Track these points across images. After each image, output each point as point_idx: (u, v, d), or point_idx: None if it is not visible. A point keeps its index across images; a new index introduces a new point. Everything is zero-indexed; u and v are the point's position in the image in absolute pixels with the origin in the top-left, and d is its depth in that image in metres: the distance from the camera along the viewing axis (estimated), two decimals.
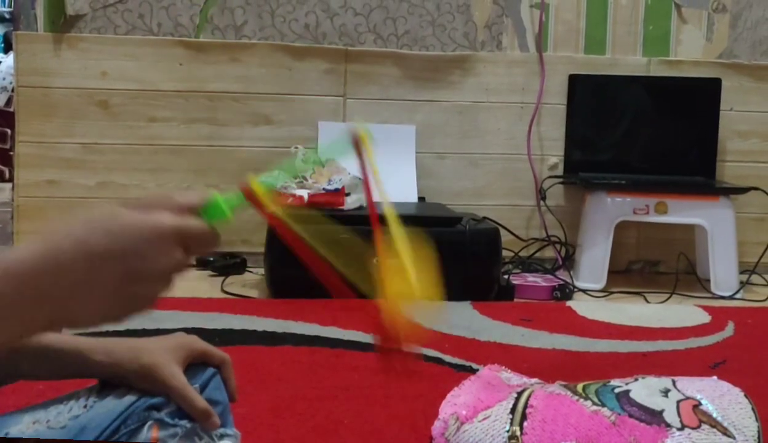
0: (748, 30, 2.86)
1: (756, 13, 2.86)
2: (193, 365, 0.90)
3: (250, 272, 2.65)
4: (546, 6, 2.79)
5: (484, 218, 2.57)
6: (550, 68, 2.79)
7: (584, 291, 2.55)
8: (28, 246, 0.57)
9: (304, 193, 2.35)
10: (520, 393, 1.14)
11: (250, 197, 0.62)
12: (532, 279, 2.52)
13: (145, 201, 0.61)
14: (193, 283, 2.53)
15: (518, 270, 2.65)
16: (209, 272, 2.62)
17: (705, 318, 2.26)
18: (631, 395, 1.16)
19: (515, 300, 2.41)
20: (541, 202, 2.80)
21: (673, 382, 1.22)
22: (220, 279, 2.55)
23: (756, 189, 2.63)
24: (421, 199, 2.71)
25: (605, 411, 1.11)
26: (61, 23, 2.65)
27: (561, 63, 2.80)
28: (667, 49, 2.85)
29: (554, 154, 2.83)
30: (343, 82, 2.75)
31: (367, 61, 2.74)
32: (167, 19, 2.68)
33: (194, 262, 2.70)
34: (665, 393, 1.18)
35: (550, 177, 2.81)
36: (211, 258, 2.66)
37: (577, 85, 2.79)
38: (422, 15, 2.76)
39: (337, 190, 2.36)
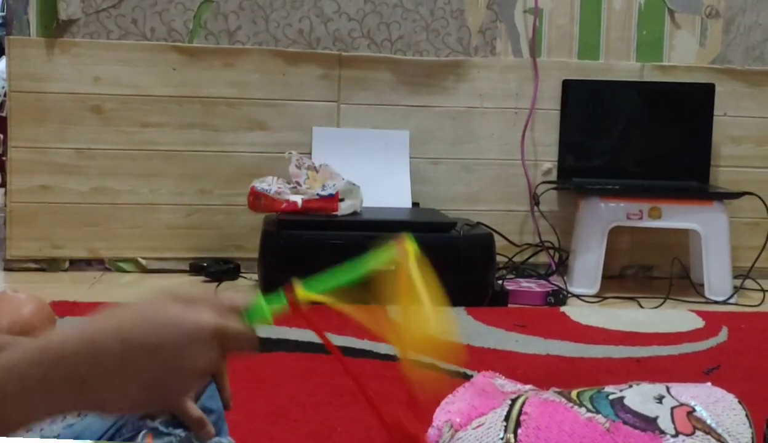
0: (741, 35, 2.87)
1: (749, 19, 2.87)
2: None
3: (244, 278, 2.64)
4: (540, 11, 2.79)
5: (478, 223, 2.57)
6: (544, 73, 2.80)
7: (578, 296, 2.55)
8: (72, 329, 0.59)
9: (297, 199, 2.35)
10: (514, 400, 1.14)
11: (294, 305, 0.62)
12: (526, 284, 2.52)
13: (191, 296, 0.62)
14: (187, 289, 2.52)
15: (512, 276, 2.65)
16: (203, 278, 2.62)
17: (699, 323, 2.26)
18: (626, 402, 1.16)
19: (509, 305, 2.41)
20: (535, 208, 2.80)
21: (667, 389, 1.22)
22: (214, 285, 2.55)
23: (750, 194, 2.64)
24: (415, 204, 2.71)
25: (600, 418, 1.11)
26: (54, 28, 2.65)
27: (555, 68, 2.80)
28: (660, 54, 2.86)
29: (548, 159, 2.83)
30: (337, 87, 2.74)
31: (361, 66, 2.74)
32: (160, 24, 2.68)
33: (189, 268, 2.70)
34: (659, 399, 1.18)
35: (544, 182, 2.81)
36: (205, 264, 2.66)
37: (571, 90, 2.80)
38: (416, 20, 2.76)
39: (331, 196, 2.36)
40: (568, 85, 2.80)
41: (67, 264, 2.71)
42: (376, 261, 0.65)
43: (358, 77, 2.75)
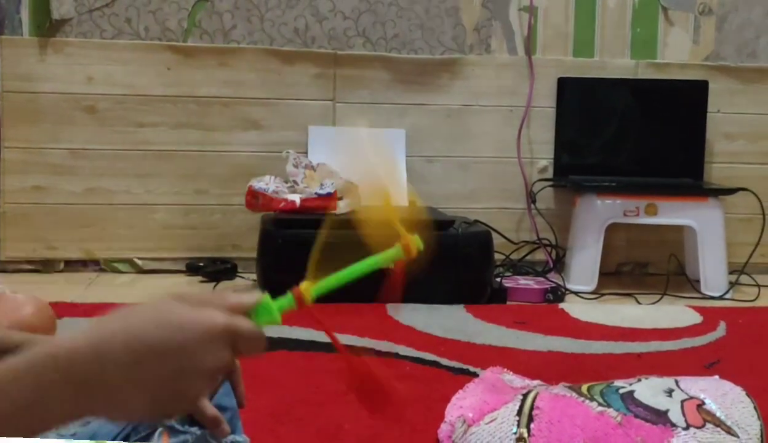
0: (733, 32, 2.88)
1: (741, 16, 2.88)
2: None
3: (241, 277, 2.63)
4: (534, 9, 2.79)
5: (476, 221, 2.57)
6: (539, 71, 2.80)
7: (576, 293, 2.55)
8: (80, 334, 0.57)
9: (296, 198, 2.34)
10: (525, 395, 1.14)
11: (300, 302, 0.61)
12: (524, 282, 2.52)
13: (198, 297, 0.61)
14: (184, 290, 2.51)
15: (509, 274, 2.65)
16: (200, 278, 2.61)
17: (697, 318, 2.27)
18: (636, 395, 1.16)
19: (508, 302, 2.41)
20: (532, 205, 2.81)
21: (676, 382, 1.22)
22: (212, 285, 2.54)
23: (744, 190, 2.65)
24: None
25: (611, 411, 1.11)
26: (47, 27, 2.63)
27: (550, 66, 2.81)
28: (654, 51, 2.87)
29: (544, 156, 2.84)
30: (333, 86, 2.74)
31: (356, 64, 2.74)
32: (155, 23, 2.66)
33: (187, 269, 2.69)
34: (669, 393, 1.19)
35: (540, 180, 2.82)
36: (202, 264, 2.64)
37: (566, 87, 2.80)
38: (411, 18, 2.76)
39: (329, 194, 2.35)
40: (563, 83, 2.80)
41: (62, 265, 2.69)
42: (381, 259, 0.65)
43: (353, 76, 2.74)
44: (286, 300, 0.62)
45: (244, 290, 0.57)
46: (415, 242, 0.63)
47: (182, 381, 0.57)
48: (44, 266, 2.68)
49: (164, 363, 0.56)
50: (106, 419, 0.61)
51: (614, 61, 2.84)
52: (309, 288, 0.61)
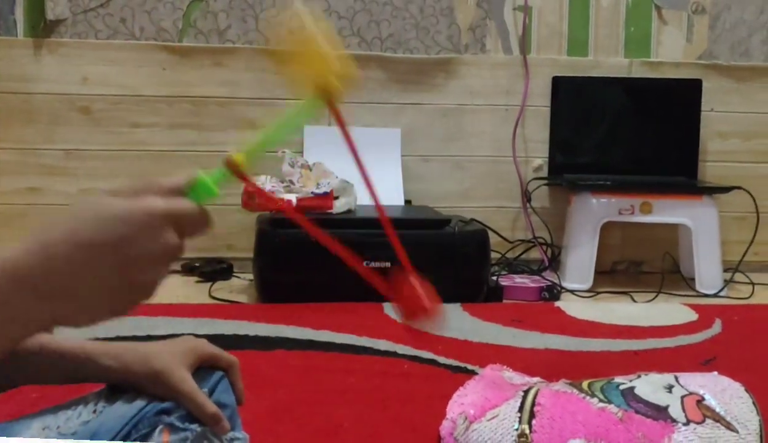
0: (726, 31, 2.89)
1: (734, 15, 2.89)
2: (202, 368, 0.89)
3: (237, 277, 2.63)
4: (529, 9, 2.80)
5: (472, 220, 2.57)
6: (534, 70, 2.81)
7: (571, 291, 2.56)
8: (20, 244, 0.56)
9: (292, 197, 2.34)
10: (526, 392, 1.14)
11: (235, 171, 0.61)
12: (520, 280, 2.53)
13: (131, 187, 0.59)
14: (180, 289, 2.51)
15: (505, 272, 2.65)
16: (196, 278, 2.60)
17: (692, 316, 2.28)
18: (636, 391, 1.16)
19: (504, 301, 2.41)
20: (527, 204, 2.81)
21: (676, 378, 1.23)
22: (207, 285, 2.53)
23: (739, 188, 2.66)
24: (407, 201, 2.71)
25: (612, 407, 1.12)
26: (41, 28, 2.62)
27: (544, 65, 2.81)
28: (648, 50, 2.88)
29: (539, 155, 2.84)
30: None
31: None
32: (149, 23, 2.66)
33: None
34: (669, 388, 1.19)
35: (535, 178, 2.82)
36: (197, 264, 2.64)
37: (561, 86, 2.81)
38: (406, 18, 2.76)
39: (325, 194, 2.35)
40: (557, 82, 2.81)
41: None
42: (302, 113, 0.64)
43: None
44: (220, 172, 0.61)
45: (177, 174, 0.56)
46: (338, 68, 0.60)
47: (132, 271, 0.56)
48: None
49: (109, 255, 0.55)
50: (71, 324, 0.59)
51: (608, 60, 2.85)
52: (238, 155, 0.61)
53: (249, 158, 0.61)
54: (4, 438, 0.79)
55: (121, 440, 0.83)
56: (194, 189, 0.61)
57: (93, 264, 0.55)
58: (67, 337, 0.58)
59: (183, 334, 0.92)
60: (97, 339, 0.87)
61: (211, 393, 0.90)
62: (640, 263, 2.92)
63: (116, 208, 0.57)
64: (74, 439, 0.83)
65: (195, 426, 0.85)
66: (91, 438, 0.83)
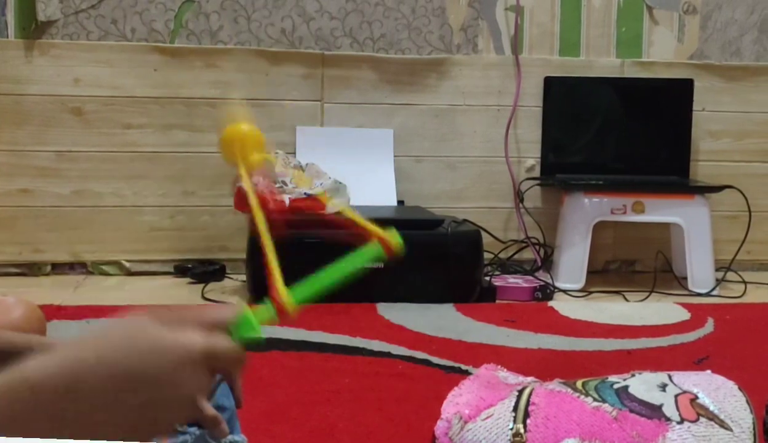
0: (717, 31, 2.91)
1: (725, 15, 2.91)
2: None
3: (230, 278, 2.63)
4: (521, 9, 2.81)
5: (465, 220, 2.58)
6: (526, 71, 2.81)
7: (564, 291, 2.56)
8: (50, 358, 0.54)
9: (285, 198, 2.33)
10: (521, 391, 1.14)
11: (282, 313, 0.60)
12: (513, 280, 2.53)
13: (173, 316, 0.58)
14: (173, 291, 2.51)
15: (498, 272, 2.66)
16: (188, 279, 2.60)
17: (685, 315, 2.29)
18: (630, 390, 1.17)
19: (497, 301, 2.42)
20: (519, 204, 2.82)
21: (670, 377, 1.23)
22: (200, 286, 2.53)
23: (731, 187, 2.67)
24: (399, 202, 2.72)
25: (606, 406, 1.12)
26: (33, 29, 2.61)
27: (536, 65, 2.82)
28: (639, 50, 2.88)
29: (531, 155, 2.85)
30: (320, 86, 2.74)
31: (343, 65, 2.74)
32: (141, 24, 2.65)
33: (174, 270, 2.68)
34: (663, 387, 1.19)
35: (528, 179, 2.83)
36: (190, 265, 2.64)
37: (553, 87, 2.82)
38: (398, 18, 2.76)
39: (318, 194, 2.35)
40: (549, 82, 2.81)
41: (49, 268, 2.68)
42: (360, 259, 0.64)
43: (341, 76, 2.75)
44: (267, 311, 0.60)
45: (222, 305, 0.55)
46: (393, 237, 0.62)
47: (159, 409, 0.55)
48: (31, 269, 2.67)
49: (140, 391, 0.53)
50: None
51: (600, 60, 2.86)
52: (288, 295, 0.59)
53: (299, 301, 0.60)
54: (3, 438, 0.79)
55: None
56: (238, 325, 0.59)
57: (120, 398, 0.53)
58: (28, 368, 0.56)
59: None
60: None
61: (210, 396, 0.90)
62: (633, 262, 2.93)
63: (156, 341, 0.54)
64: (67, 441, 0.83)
65: (194, 430, 0.85)
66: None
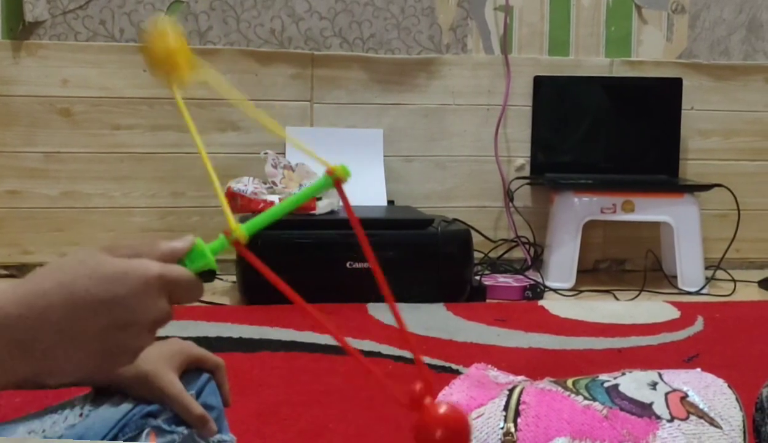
0: (706, 30, 2.92)
1: (713, 14, 2.92)
2: (188, 371, 0.89)
3: (220, 279, 2.62)
4: (510, 9, 2.81)
5: (455, 220, 2.58)
6: (515, 70, 2.82)
7: (554, 290, 2.57)
8: (8, 288, 0.55)
9: (275, 198, 2.33)
10: (511, 391, 1.14)
11: (234, 243, 0.60)
12: (503, 279, 2.54)
13: (128, 246, 0.58)
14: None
15: (488, 271, 2.66)
16: None
17: (675, 313, 2.30)
18: (621, 389, 1.17)
19: (487, 300, 2.42)
20: (509, 203, 2.82)
21: (660, 375, 1.23)
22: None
23: (720, 186, 2.69)
24: (390, 202, 2.71)
25: (597, 405, 1.12)
26: (20, 30, 2.60)
27: (526, 65, 2.82)
28: (628, 49, 2.89)
29: (521, 155, 2.85)
30: (310, 86, 2.73)
31: (333, 65, 2.74)
32: (129, 25, 2.64)
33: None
34: (653, 385, 1.19)
35: (518, 178, 2.83)
36: None
37: (542, 86, 2.82)
38: (387, 18, 2.76)
39: None
40: (539, 82, 2.82)
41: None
42: (311, 190, 0.64)
43: (330, 76, 2.74)
44: (219, 242, 0.60)
45: (175, 237, 0.55)
46: (342, 169, 0.62)
47: (120, 334, 0.55)
48: (19, 271, 2.65)
49: (100, 317, 0.54)
50: (41, 382, 0.58)
51: (589, 59, 2.87)
52: (239, 227, 0.60)
53: (250, 232, 0.60)
54: (3, 438, 0.79)
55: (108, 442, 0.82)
56: (191, 256, 0.60)
57: (82, 322, 0.54)
58: None
59: (168, 337, 0.91)
60: None
61: (198, 396, 0.90)
62: (623, 261, 2.94)
63: (112, 267, 0.55)
64: (62, 440, 0.82)
65: (182, 429, 0.85)
66: (78, 441, 0.82)
